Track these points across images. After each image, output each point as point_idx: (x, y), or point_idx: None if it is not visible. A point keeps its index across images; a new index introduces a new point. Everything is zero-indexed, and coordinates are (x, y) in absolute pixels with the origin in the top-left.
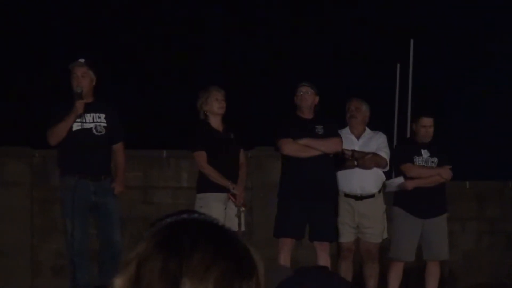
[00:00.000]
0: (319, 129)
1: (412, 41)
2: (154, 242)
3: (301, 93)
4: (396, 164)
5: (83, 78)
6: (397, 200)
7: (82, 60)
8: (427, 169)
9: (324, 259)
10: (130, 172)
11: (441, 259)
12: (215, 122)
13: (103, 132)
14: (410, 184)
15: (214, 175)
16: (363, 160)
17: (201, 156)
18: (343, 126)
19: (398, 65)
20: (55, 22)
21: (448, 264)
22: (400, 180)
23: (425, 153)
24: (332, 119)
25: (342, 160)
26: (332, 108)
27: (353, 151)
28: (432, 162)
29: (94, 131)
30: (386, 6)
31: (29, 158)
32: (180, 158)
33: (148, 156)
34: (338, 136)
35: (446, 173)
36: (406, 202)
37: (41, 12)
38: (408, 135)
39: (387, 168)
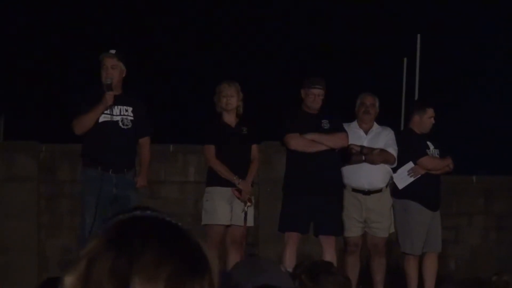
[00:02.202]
0: (325, 123)
1: (419, 36)
2: (105, 239)
3: (315, 95)
4: (413, 158)
5: (113, 70)
6: (411, 193)
7: (113, 51)
8: (440, 161)
9: (330, 254)
10: (136, 167)
11: (439, 251)
12: (228, 117)
13: (130, 126)
14: (421, 170)
15: (220, 169)
16: (371, 155)
17: (209, 150)
18: (350, 120)
19: (405, 60)
20: (66, 15)
21: (455, 259)
22: (410, 165)
23: (430, 145)
24: (337, 114)
25: (349, 155)
26: (339, 103)
27: (362, 147)
28: (437, 154)
29: (120, 124)
30: (393, 1)
31: (36, 152)
32: (187, 152)
33: (155, 150)
34: (344, 131)
35: (452, 164)
36: (420, 195)
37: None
38: (406, 127)
39: (395, 165)
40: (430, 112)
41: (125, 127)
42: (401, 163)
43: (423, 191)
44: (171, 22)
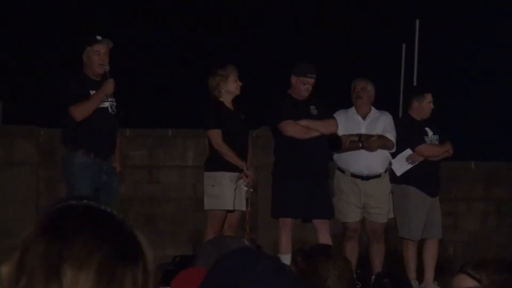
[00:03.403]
0: (313, 109)
1: (417, 21)
2: (38, 227)
3: (308, 84)
4: (411, 145)
5: (106, 56)
6: (409, 179)
7: (103, 38)
8: (439, 147)
9: (326, 237)
10: (136, 151)
11: (440, 237)
12: (228, 102)
13: (115, 112)
14: (419, 157)
15: (229, 154)
16: (368, 142)
17: (217, 134)
18: (349, 106)
19: (404, 45)
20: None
21: (454, 245)
22: (408, 152)
23: (429, 131)
24: (320, 100)
25: (337, 141)
26: (339, 88)
27: (360, 135)
28: (436, 140)
29: (110, 110)
30: None
31: (35, 137)
32: (186, 137)
33: (153, 135)
34: (333, 117)
35: (451, 149)
36: (418, 180)
37: None
38: (404, 113)
39: (393, 150)
40: (429, 97)
41: (112, 112)
42: (399, 150)
43: (421, 177)
44: (164, 7)
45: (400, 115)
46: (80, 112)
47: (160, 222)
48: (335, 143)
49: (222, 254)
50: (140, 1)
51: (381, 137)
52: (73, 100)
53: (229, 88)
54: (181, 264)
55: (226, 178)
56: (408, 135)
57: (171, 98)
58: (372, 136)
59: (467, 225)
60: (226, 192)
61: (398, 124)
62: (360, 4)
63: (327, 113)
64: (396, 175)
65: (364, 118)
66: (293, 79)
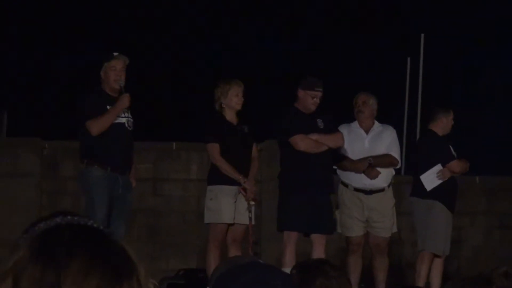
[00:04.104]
0: (319, 122)
1: (422, 36)
2: (30, 252)
3: (316, 98)
4: (442, 161)
5: (122, 72)
6: (436, 194)
7: (117, 54)
8: (466, 163)
9: (320, 252)
10: (140, 164)
11: (448, 253)
12: (230, 115)
13: (132, 128)
14: (449, 173)
15: (226, 168)
16: (376, 160)
17: (214, 148)
18: (352, 120)
19: (409, 60)
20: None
21: (457, 259)
22: (438, 168)
23: (450, 147)
24: (327, 113)
25: (340, 156)
26: (343, 102)
27: (370, 159)
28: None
29: (126, 125)
30: (397, 0)
31: (39, 149)
32: (190, 150)
33: (157, 148)
34: (339, 131)
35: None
36: (443, 195)
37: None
38: (427, 129)
39: (398, 166)
40: (452, 113)
41: (129, 128)
42: (427, 166)
43: (445, 192)
44: (170, 20)
45: (405, 127)
46: (96, 126)
47: (164, 235)
48: (337, 156)
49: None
50: (143, 11)
51: (387, 155)
52: (90, 114)
53: (228, 103)
54: (184, 277)
55: (224, 192)
56: (437, 150)
57: (176, 111)
58: (381, 156)
59: (471, 239)
60: (224, 206)
61: (424, 142)
62: (366, 18)
63: (332, 126)
64: (419, 190)
65: (367, 132)
66: (300, 93)
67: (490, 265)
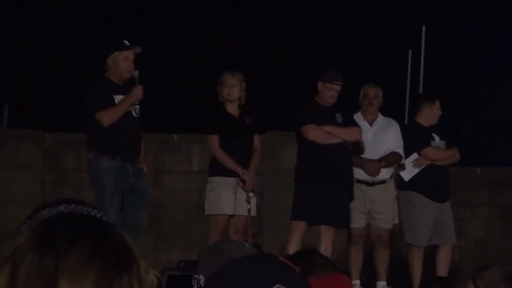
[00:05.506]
0: (338, 117)
1: (424, 28)
2: (30, 239)
3: (334, 91)
4: (417, 149)
5: (132, 62)
6: (415, 185)
7: (128, 43)
8: (444, 151)
9: (327, 244)
10: None
11: (453, 243)
12: (231, 107)
13: (139, 115)
14: (425, 161)
15: (225, 160)
16: (386, 159)
17: (213, 140)
18: (355, 111)
19: (410, 51)
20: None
21: (459, 250)
22: (414, 156)
23: (435, 136)
24: (348, 108)
25: (359, 149)
26: (344, 93)
27: (382, 162)
28: (443, 145)
29: (133, 113)
30: None
31: (40, 141)
32: (191, 142)
33: (159, 140)
34: (358, 125)
35: (458, 154)
36: (424, 187)
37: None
38: (412, 120)
39: (403, 162)
40: (437, 103)
41: (136, 116)
42: (406, 156)
43: (427, 183)
44: (174, 12)
45: (406, 120)
46: (108, 118)
47: (165, 227)
48: (357, 147)
49: (223, 259)
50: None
51: (394, 153)
52: (100, 105)
53: (221, 94)
54: (186, 269)
55: (223, 183)
56: (414, 139)
57: (177, 102)
58: (390, 156)
59: (472, 230)
60: (223, 197)
61: (406, 131)
62: (367, 10)
63: (352, 121)
64: (402, 182)
65: (371, 124)
66: (320, 86)
67: (492, 256)
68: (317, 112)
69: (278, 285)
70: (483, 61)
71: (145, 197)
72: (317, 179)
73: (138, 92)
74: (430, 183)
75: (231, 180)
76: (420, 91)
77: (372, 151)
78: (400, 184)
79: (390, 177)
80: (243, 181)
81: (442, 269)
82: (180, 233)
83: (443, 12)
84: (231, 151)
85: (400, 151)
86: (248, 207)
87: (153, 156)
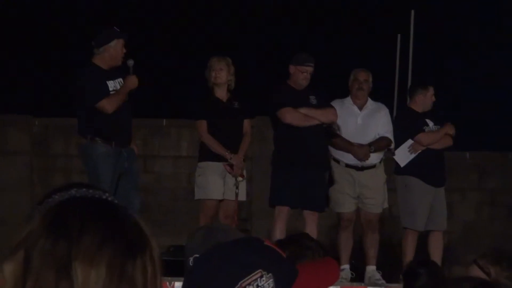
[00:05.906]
0: (312, 99)
1: (413, 12)
2: (42, 224)
3: (306, 73)
4: (411, 135)
5: (124, 49)
6: (411, 169)
7: (120, 31)
8: (436, 132)
9: (312, 229)
10: None
11: (444, 229)
12: (220, 92)
13: (128, 100)
14: (419, 147)
15: (212, 144)
16: (376, 144)
17: (201, 125)
18: (344, 95)
19: (399, 36)
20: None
21: (447, 235)
22: (409, 142)
23: (429, 122)
24: (321, 90)
25: (332, 133)
26: (333, 78)
27: (370, 145)
28: (437, 129)
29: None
30: None
31: (29, 126)
32: (181, 127)
33: (148, 124)
34: (332, 106)
35: (451, 128)
36: (421, 171)
37: None
38: (405, 106)
39: (392, 146)
40: (431, 89)
41: (126, 101)
42: (401, 142)
43: (424, 167)
44: None
45: (395, 105)
46: (111, 105)
47: (155, 212)
48: (329, 132)
49: (211, 243)
50: None
51: (383, 138)
52: (99, 93)
53: (209, 79)
54: (175, 254)
55: (211, 168)
56: (407, 126)
57: (165, 87)
58: (379, 141)
59: (462, 215)
60: (211, 182)
61: (399, 118)
62: None
63: (327, 103)
64: (398, 167)
65: (360, 108)
66: (292, 69)
67: (481, 241)
68: (291, 95)
69: (260, 270)
70: (473, 44)
71: (138, 179)
72: (294, 163)
73: (133, 80)
74: (427, 167)
75: (218, 165)
76: (409, 76)
77: (362, 136)
78: (396, 169)
79: (380, 162)
80: (231, 166)
81: (436, 256)
82: (169, 218)
83: None
84: (219, 136)
85: (390, 136)
86: (236, 191)
87: (142, 141)
